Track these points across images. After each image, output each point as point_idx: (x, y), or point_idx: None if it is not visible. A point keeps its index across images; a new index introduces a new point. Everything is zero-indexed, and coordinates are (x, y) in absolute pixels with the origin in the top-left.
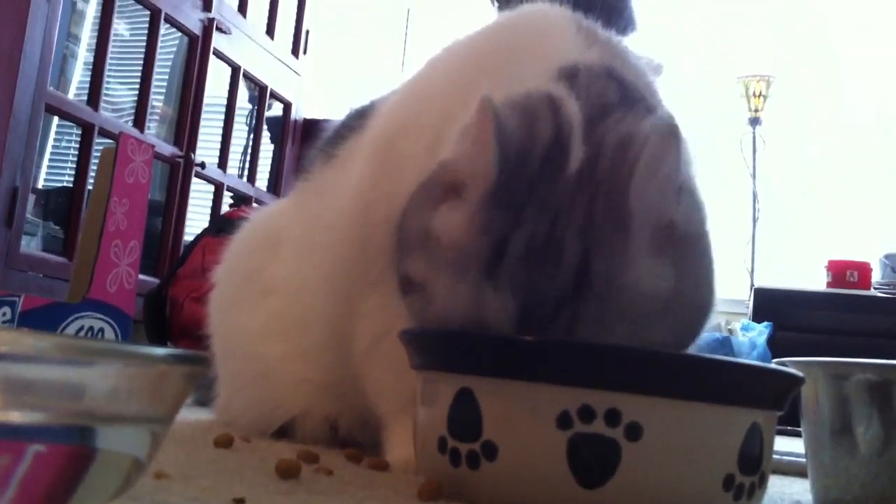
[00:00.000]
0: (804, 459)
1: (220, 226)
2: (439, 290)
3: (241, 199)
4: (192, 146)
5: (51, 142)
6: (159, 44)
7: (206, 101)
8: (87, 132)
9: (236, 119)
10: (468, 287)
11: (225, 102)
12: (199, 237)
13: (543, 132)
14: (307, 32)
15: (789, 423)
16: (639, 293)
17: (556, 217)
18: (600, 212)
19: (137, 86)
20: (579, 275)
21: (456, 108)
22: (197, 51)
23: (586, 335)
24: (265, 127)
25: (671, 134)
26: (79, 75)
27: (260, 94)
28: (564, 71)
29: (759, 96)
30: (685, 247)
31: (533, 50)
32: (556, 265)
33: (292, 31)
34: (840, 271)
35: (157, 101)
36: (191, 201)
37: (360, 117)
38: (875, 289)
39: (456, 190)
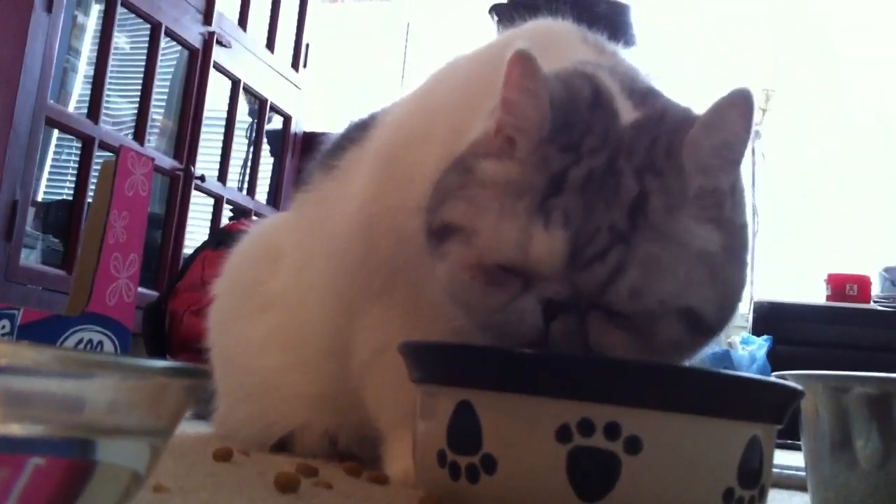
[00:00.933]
0: (804, 473)
1: (220, 239)
2: (485, 226)
3: (240, 212)
4: (191, 159)
5: (51, 155)
6: (159, 57)
7: (206, 114)
8: (87, 145)
9: (236, 132)
10: (517, 222)
11: (225, 115)
12: (198, 250)
13: (583, 91)
14: (307, 46)
15: (789, 437)
16: (689, 246)
17: (615, 154)
18: (661, 156)
19: (138, 99)
20: (633, 212)
21: (466, 120)
22: (197, 64)
23: (633, 281)
24: (265, 140)
25: (744, 102)
26: (79, 88)
27: (260, 107)
28: (583, 63)
29: (758, 110)
30: (731, 228)
31: (543, 60)
32: (614, 196)
33: (292, 44)
34: (840, 284)
35: (157, 114)
36: (190, 214)
37: (360, 129)
38: (875, 302)
39: (497, 147)
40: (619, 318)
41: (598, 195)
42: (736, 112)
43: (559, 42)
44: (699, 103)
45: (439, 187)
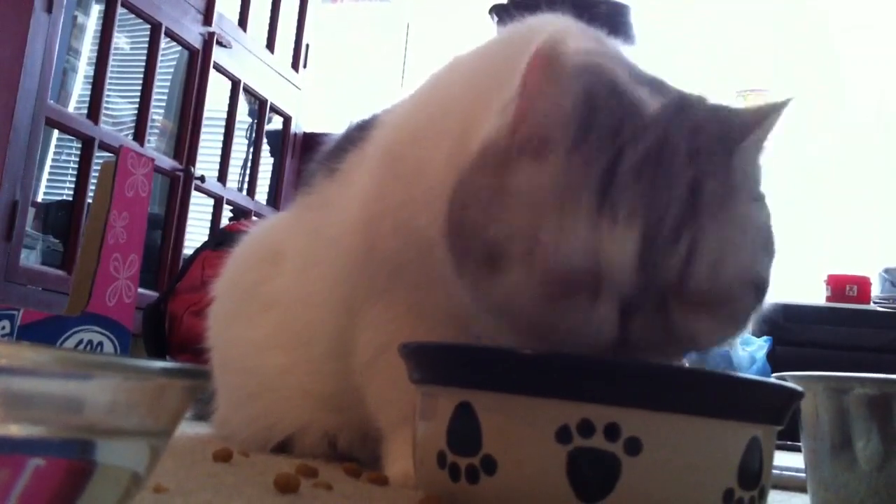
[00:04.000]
0: (804, 474)
1: (220, 239)
2: (547, 239)
3: (240, 213)
4: (191, 160)
5: (51, 155)
6: (159, 57)
7: (206, 114)
8: (88, 146)
9: (236, 132)
10: (581, 227)
11: (225, 116)
12: (198, 251)
13: (604, 79)
14: (307, 46)
15: (789, 438)
16: (747, 222)
17: (659, 140)
18: (705, 141)
19: (138, 99)
20: (693, 196)
21: (477, 117)
22: (197, 64)
23: (708, 262)
24: (265, 140)
25: (781, 111)
26: (79, 89)
27: (260, 107)
28: (592, 52)
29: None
30: (763, 202)
31: None
32: (670, 183)
33: (292, 45)
34: (839, 285)
35: (157, 114)
36: (190, 215)
37: (361, 130)
38: (874, 303)
39: (528, 150)
40: (697, 304)
41: (655, 184)
42: (774, 123)
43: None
44: None
45: (467, 201)
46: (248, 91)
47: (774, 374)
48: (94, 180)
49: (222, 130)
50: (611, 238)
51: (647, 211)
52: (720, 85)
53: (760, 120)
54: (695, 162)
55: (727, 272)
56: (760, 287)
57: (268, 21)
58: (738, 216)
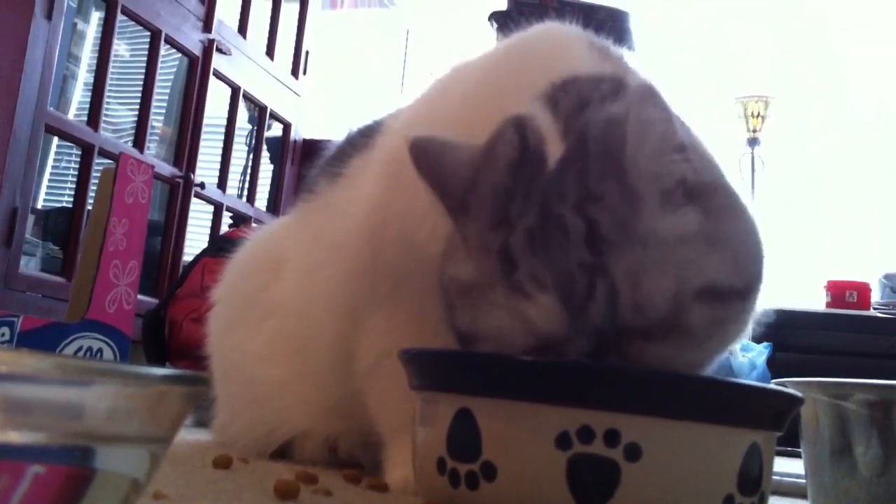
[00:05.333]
0: (804, 480)
1: (219, 246)
2: (485, 328)
3: (240, 220)
4: (191, 166)
5: (50, 162)
6: (159, 64)
7: (205, 121)
8: (87, 152)
9: (236, 139)
10: (504, 310)
11: (225, 123)
12: (198, 257)
13: (504, 149)
14: (307, 53)
15: (789, 444)
16: (663, 238)
17: (544, 204)
18: (595, 183)
19: (137, 106)
20: (592, 242)
21: (474, 133)
22: (197, 71)
23: (631, 295)
24: (265, 147)
25: (650, 93)
26: (79, 96)
27: (259, 114)
28: (557, 84)
29: (757, 117)
30: (706, 193)
31: (548, 71)
32: (565, 240)
33: (292, 51)
34: (839, 291)
35: (156, 121)
36: (190, 221)
37: (366, 135)
38: (874, 309)
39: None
40: (645, 337)
41: (550, 247)
42: (654, 105)
43: (567, 50)
44: (698, 106)
45: (442, 282)
46: (247, 98)
47: (774, 380)
48: (93, 187)
49: (222, 137)
50: (533, 311)
51: (552, 277)
52: (720, 86)
53: (633, 114)
54: (586, 209)
55: (657, 301)
56: (712, 292)
57: (267, 28)
58: (652, 242)
